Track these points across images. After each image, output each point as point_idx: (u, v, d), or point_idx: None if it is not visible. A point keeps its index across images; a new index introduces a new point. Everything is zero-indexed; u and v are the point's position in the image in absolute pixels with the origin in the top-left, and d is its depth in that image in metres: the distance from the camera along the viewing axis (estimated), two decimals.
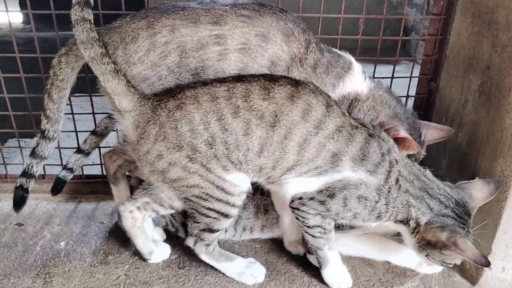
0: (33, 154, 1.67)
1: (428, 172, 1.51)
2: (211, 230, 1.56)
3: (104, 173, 2.09)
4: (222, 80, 1.44)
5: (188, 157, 1.41)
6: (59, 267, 1.67)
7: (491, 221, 1.55)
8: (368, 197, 1.43)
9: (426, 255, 1.48)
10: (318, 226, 1.51)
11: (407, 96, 2.06)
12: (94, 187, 2.11)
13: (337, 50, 1.68)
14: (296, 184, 1.46)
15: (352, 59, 1.67)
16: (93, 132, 1.87)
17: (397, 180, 1.44)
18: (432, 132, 1.73)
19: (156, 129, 1.42)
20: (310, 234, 1.54)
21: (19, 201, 1.70)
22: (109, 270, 1.67)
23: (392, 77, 2.00)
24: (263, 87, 1.40)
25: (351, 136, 1.42)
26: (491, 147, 1.53)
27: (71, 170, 1.88)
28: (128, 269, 1.67)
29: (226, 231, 1.79)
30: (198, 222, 1.56)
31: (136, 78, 1.50)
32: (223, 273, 1.65)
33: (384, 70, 2.05)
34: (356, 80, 1.64)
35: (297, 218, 1.53)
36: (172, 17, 1.49)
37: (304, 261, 1.73)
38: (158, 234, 1.80)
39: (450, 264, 1.51)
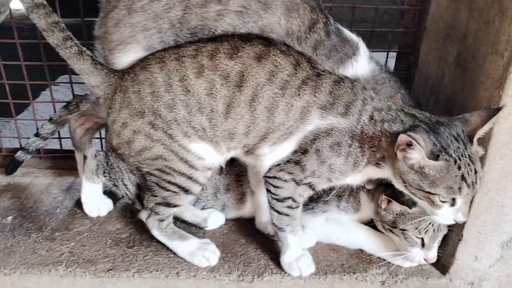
0: None
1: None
2: (168, 204, 1.50)
3: (64, 148, 2.05)
4: (196, 40, 1.40)
5: (150, 123, 1.38)
6: (1, 242, 1.58)
7: None
8: (341, 142, 1.33)
9: None
10: (289, 198, 1.43)
11: None
12: (52, 162, 2.03)
13: (348, 33, 1.60)
14: (273, 153, 1.41)
15: (360, 44, 1.60)
16: (50, 120, 1.85)
17: (371, 117, 1.31)
18: None
19: (121, 95, 1.41)
20: (276, 210, 1.45)
21: None
22: (53, 246, 1.58)
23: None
24: (233, 46, 1.35)
25: (317, 83, 1.34)
26: None
27: (27, 151, 1.88)
28: (74, 246, 1.58)
29: None
30: (155, 196, 1.50)
31: (135, 27, 1.44)
32: (174, 253, 1.55)
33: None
34: (359, 65, 1.59)
35: (268, 191, 1.45)
36: None
37: (263, 244, 1.62)
38: (106, 205, 1.75)
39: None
